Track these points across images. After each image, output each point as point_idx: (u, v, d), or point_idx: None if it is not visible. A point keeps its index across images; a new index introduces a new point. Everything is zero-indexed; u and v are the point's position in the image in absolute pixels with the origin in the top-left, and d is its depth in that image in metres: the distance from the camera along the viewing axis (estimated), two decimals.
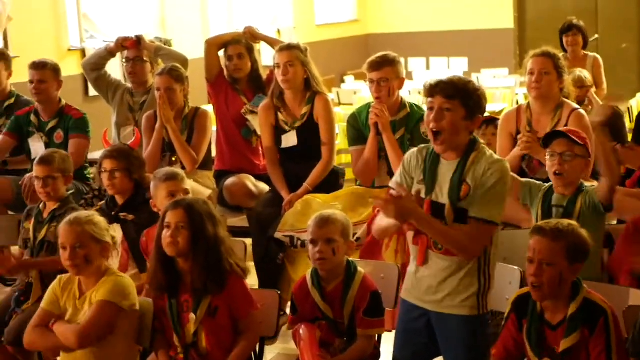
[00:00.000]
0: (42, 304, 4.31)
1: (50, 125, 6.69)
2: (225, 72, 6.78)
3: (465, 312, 3.94)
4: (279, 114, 6.12)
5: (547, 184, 4.83)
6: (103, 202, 5.43)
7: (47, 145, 6.59)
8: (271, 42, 6.94)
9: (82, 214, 4.32)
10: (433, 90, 3.90)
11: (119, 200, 5.26)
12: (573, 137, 4.70)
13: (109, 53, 7.28)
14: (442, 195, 3.90)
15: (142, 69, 6.95)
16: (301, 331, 4.20)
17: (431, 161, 3.96)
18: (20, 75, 7.44)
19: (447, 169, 3.92)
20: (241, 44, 6.72)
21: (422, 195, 3.94)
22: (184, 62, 6.98)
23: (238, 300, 4.13)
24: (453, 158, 3.92)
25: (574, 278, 3.77)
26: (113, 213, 5.13)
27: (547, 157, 4.74)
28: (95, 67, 7.22)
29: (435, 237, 3.88)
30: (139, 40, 7.12)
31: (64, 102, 6.78)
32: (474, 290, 3.94)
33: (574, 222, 3.85)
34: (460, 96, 3.84)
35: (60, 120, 6.69)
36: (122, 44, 7.17)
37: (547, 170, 4.80)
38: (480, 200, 3.83)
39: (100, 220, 4.32)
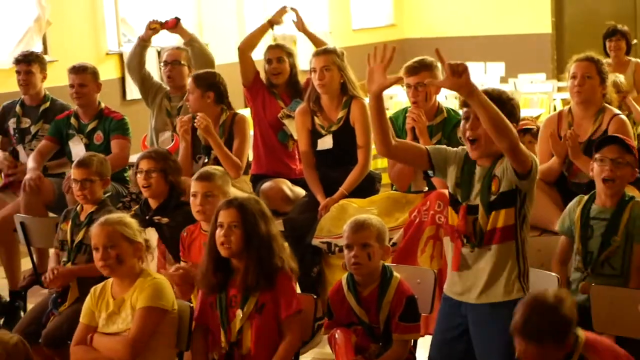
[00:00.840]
0: (81, 319, 4.35)
1: (91, 126, 6.74)
2: (263, 76, 6.77)
3: (513, 297, 3.94)
4: (315, 118, 6.12)
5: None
6: (137, 206, 5.45)
7: (87, 147, 6.66)
8: (315, 41, 6.92)
9: (113, 215, 4.38)
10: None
11: (153, 204, 5.29)
12: (627, 143, 4.65)
13: (142, 40, 7.30)
14: (476, 198, 3.99)
15: (180, 72, 6.95)
16: (337, 335, 4.19)
17: (468, 168, 4.05)
18: (58, 79, 7.51)
19: (480, 174, 4.01)
20: (281, 48, 6.72)
21: (459, 199, 4.02)
22: (211, 62, 7.05)
23: (285, 298, 4.14)
24: (487, 164, 4.00)
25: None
26: (147, 217, 5.15)
27: (596, 163, 4.67)
28: (136, 64, 7.24)
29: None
30: (178, 20, 7.17)
31: (103, 104, 6.82)
32: (516, 274, 3.99)
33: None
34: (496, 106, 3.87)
35: (100, 121, 6.74)
36: (151, 27, 7.25)
37: (593, 177, 4.73)
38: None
39: (132, 221, 4.36)
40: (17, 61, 7.07)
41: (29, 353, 4.13)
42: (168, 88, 7.15)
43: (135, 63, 7.26)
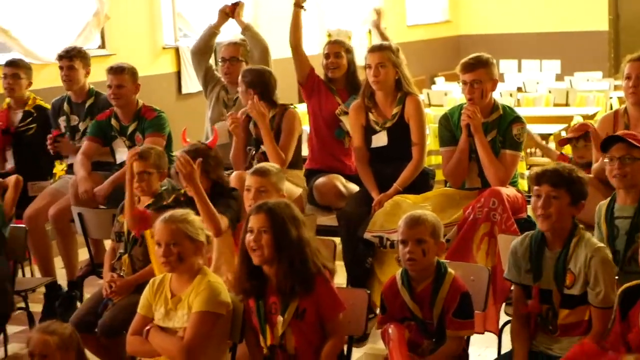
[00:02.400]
0: (139, 310, 4.38)
1: (131, 128, 6.73)
2: (320, 71, 6.78)
3: None
4: (369, 114, 6.13)
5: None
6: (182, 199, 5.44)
7: (130, 149, 6.66)
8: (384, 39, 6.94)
9: (177, 212, 4.36)
10: (540, 178, 4.18)
11: None
12: (631, 141, 4.63)
13: (214, 28, 7.33)
14: (549, 282, 4.16)
15: (238, 68, 6.90)
16: (390, 331, 4.19)
17: (537, 251, 4.21)
18: None
19: (550, 256, 4.18)
20: (340, 44, 6.72)
21: (530, 283, 4.21)
22: (265, 49, 7.12)
23: (325, 302, 4.13)
24: (556, 247, 4.18)
25: None
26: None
27: (607, 163, 4.70)
28: (203, 53, 7.26)
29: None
30: (237, 3, 7.24)
31: (141, 103, 6.80)
32: None
33: None
34: (566, 184, 4.13)
35: (138, 122, 6.73)
36: (226, 11, 7.28)
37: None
38: (593, 290, 4.08)
39: (195, 218, 4.36)
40: (60, 57, 7.09)
41: (80, 343, 4.22)
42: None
43: (203, 51, 7.31)
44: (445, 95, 12.42)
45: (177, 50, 11.17)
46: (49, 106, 7.27)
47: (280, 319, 4.13)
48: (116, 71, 6.68)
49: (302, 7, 6.77)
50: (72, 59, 7.02)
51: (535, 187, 4.16)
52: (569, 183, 4.11)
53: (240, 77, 6.39)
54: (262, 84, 6.32)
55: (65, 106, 7.16)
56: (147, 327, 4.28)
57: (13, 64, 7.25)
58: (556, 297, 4.13)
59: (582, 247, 4.12)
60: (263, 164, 5.17)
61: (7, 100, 7.32)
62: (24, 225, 6.20)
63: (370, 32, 13.79)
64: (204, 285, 4.22)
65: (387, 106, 6.11)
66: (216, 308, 4.18)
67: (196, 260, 4.29)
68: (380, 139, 6.11)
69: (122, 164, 6.66)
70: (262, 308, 4.18)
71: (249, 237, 4.14)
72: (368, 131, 6.15)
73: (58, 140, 7.06)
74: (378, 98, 6.11)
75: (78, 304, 6.65)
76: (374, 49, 6.12)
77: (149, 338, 4.26)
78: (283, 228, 4.11)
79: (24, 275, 7.04)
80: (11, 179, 6.16)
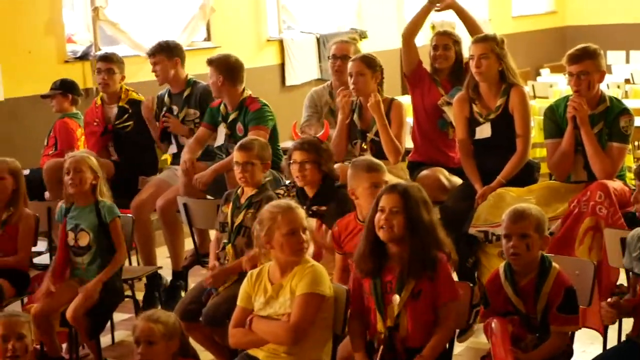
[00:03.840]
0: (238, 302, 4.43)
1: (232, 117, 6.78)
2: (427, 62, 6.73)
3: None
4: (473, 105, 6.08)
5: None
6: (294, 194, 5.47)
7: (229, 137, 6.74)
8: (465, 18, 6.81)
9: (281, 202, 4.42)
10: None
11: (309, 192, 5.33)
12: None
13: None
14: None
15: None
16: (493, 325, 4.16)
17: None
18: None
19: None
20: (449, 35, 6.66)
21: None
22: None
23: (442, 286, 4.12)
24: None
25: None
26: (304, 207, 5.16)
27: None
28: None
29: None
30: None
31: (247, 93, 6.82)
32: None
33: None
34: None
35: (240, 112, 6.76)
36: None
37: None
38: None
39: (301, 211, 4.39)
40: (147, 55, 7.26)
41: (184, 332, 4.30)
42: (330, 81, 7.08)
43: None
44: (551, 87, 12.24)
45: (281, 42, 11.24)
46: (142, 98, 7.37)
47: (396, 298, 4.13)
48: (210, 63, 6.79)
49: (435, 5, 6.72)
50: (154, 55, 7.16)
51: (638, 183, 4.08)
52: None
53: (360, 64, 6.28)
54: (378, 66, 6.32)
55: (166, 98, 7.28)
56: (250, 317, 4.33)
57: (107, 58, 7.34)
58: None
59: None
60: (372, 160, 5.13)
61: (101, 95, 7.43)
62: (130, 215, 6.31)
63: None
64: (307, 270, 4.27)
65: (491, 98, 6.04)
66: (320, 289, 4.22)
67: None
68: (483, 131, 6.06)
69: (220, 148, 6.82)
70: (379, 286, 4.19)
71: (379, 216, 4.17)
72: (472, 123, 6.10)
73: (167, 116, 7.17)
74: (482, 89, 6.06)
75: (182, 293, 6.77)
76: (477, 40, 6.07)
77: (253, 327, 4.31)
78: (416, 209, 4.14)
79: (130, 264, 7.17)
80: None
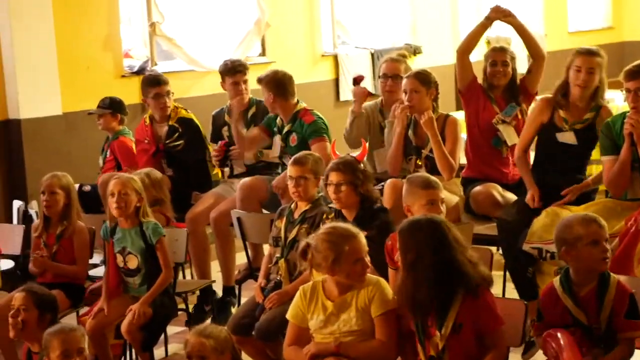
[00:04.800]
0: (291, 319, 4.43)
1: (286, 128, 6.86)
2: (481, 78, 6.69)
3: None
4: (557, 111, 6.00)
5: None
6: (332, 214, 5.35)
7: (283, 148, 6.83)
8: (524, 34, 6.75)
9: (342, 229, 4.37)
10: None
11: (348, 215, 5.22)
12: None
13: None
14: None
15: (400, 86, 6.60)
16: (560, 336, 4.10)
17: None
18: None
19: None
20: (506, 51, 6.61)
21: None
22: None
23: (483, 316, 4.09)
24: None
25: None
26: None
27: None
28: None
29: None
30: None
31: (300, 105, 6.88)
32: None
33: None
34: None
35: (293, 124, 6.82)
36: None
37: None
38: None
39: (362, 236, 4.35)
40: (235, 72, 7.23)
41: (235, 346, 4.30)
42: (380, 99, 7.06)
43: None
44: (608, 103, 12.11)
45: (335, 57, 11.25)
46: (191, 115, 7.40)
47: (437, 333, 4.11)
48: (259, 82, 6.89)
49: (491, 22, 6.64)
50: (247, 73, 7.22)
51: None
52: None
53: (414, 81, 6.30)
54: (433, 82, 6.33)
55: (226, 116, 7.31)
56: (335, 345, 4.27)
57: (160, 82, 7.34)
58: None
59: None
60: (428, 177, 5.10)
61: (150, 113, 7.46)
62: (185, 229, 6.35)
63: None
64: (372, 286, 4.27)
65: (581, 109, 5.98)
66: (392, 305, 4.24)
67: None
68: (567, 137, 6.00)
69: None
70: (420, 321, 4.17)
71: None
72: (550, 128, 6.03)
73: (230, 150, 7.19)
74: (572, 99, 5.98)
75: (232, 309, 6.81)
76: (588, 53, 5.96)
77: (342, 350, 4.24)
78: (418, 250, 4.11)
79: (184, 277, 7.22)
80: None
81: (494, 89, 6.62)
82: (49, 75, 8.29)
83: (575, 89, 5.94)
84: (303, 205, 5.43)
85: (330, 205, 5.41)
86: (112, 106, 7.59)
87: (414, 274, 4.08)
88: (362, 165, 5.28)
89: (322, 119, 6.85)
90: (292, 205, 5.50)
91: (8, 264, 6.63)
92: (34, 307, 4.88)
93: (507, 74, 6.59)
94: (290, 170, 5.45)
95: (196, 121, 7.39)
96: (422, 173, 5.44)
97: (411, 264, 4.10)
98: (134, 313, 5.48)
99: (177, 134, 7.30)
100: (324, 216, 5.31)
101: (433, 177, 5.05)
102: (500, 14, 6.59)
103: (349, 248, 4.25)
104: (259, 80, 6.90)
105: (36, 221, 6.27)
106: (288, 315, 4.43)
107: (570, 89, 5.97)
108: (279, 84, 6.82)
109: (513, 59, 6.62)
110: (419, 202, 4.82)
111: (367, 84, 7.42)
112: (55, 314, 5.04)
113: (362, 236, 4.33)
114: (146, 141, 7.36)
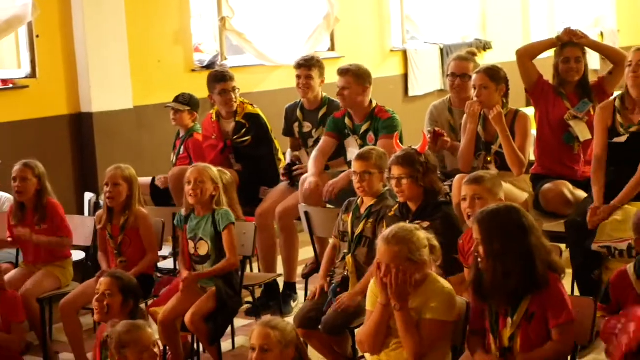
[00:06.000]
0: (368, 307, 4.42)
1: (364, 128, 6.81)
2: (548, 75, 6.60)
3: None
4: (617, 115, 5.89)
5: None
6: (396, 206, 5.35)
7: (361, 147, 6.73)
8: (599, 48, 6.69)
9: (402, 232, 4.29)
10: None
11: (412, 206, 5.21)
12: None
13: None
14: None
15: (468, 86, 6.55)
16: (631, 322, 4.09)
17: None
18: None
19: None
20: (578, 47, 6.49)
21: None
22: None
23: (554, 306, 4.07)
24: None
25: None
26: (407, 221, 5.00)
27: None
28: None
29: None
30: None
31: (375, 103, 6.85)
32: None
33: None
34: None
35: (371, 122, 6.79)
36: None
37: None
38: None
39: (420, 237, 4.30)
40: (298, 65, 7.23)
41: (300, 340, 4.32)
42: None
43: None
44: None
45: (404, 52, 11.22)
46: (258, 110, 7.41)
47: (509, 320, 4.10)
48: (340, 73, 6.80)
49: (561, 42, 6.54)
50: (311, 68, 7.18)
51: None
52: None
53: (484, 77, 6.19)
54: (503, 78, 6.24)
55: (298, 112, 7.32)
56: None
57: (226, 77, 7.31)
58: None
59: None
60: (479, 172, 5.10)
61: (216, 109, 7.48)
62: (253, 222, 6.39)
63: (602, 34, 13.41)
64: (439, 291, 4.25)
65: (637, 112, 5.88)
66: (450, 317, 4.22)
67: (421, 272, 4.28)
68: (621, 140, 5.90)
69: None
70: (494, 309, 4.15)
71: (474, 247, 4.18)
72: (611, 133, 5.90)
73: (293, 171, 7.18)
74: (629, 102, 5.87)
75: (293, 304, 6.86)
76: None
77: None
78: (494, 239, 4.09)
79: (251, 270, 7.26)
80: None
81: (566, 85, 6.52)
82: (121, 69, 8.39)
83: (635, 89, 5.81)
84: (369, 200, 5.43)
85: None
86: (191, 104, 7.66)
87: (502, 263, 4.06)
88: (422, 157, 5.26)
89: (396, 115, 6.83)
90: (359, 200, 5.51)
91: (79, 255, 6.74)
92: (118, 293, 4.96)
93: (579, 70, 6.48)
94: (355, 166, 5.46)
95: (263, 116, 7.41)
96: (479, 172, 5.36)
97: (498, 252, 4.07)
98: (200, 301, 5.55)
99: (244, 130, 7.33)
100: (388, 210, 5.31)
101: (483, 173, 5.04)
102: (572, 35, 6.51)
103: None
104: (346, 71, 6.80)
105: (99, 211, 6.35)
106: (368, 305, 4.42)
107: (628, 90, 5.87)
108: (368, 76, 6.82)
109: (585, 54, 6.53)
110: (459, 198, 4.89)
111: (436, 79, 7.37)
112: (138, 301, 5.12)
113: (392, 248, 4.23)
114: (214, 137, 7.41)
